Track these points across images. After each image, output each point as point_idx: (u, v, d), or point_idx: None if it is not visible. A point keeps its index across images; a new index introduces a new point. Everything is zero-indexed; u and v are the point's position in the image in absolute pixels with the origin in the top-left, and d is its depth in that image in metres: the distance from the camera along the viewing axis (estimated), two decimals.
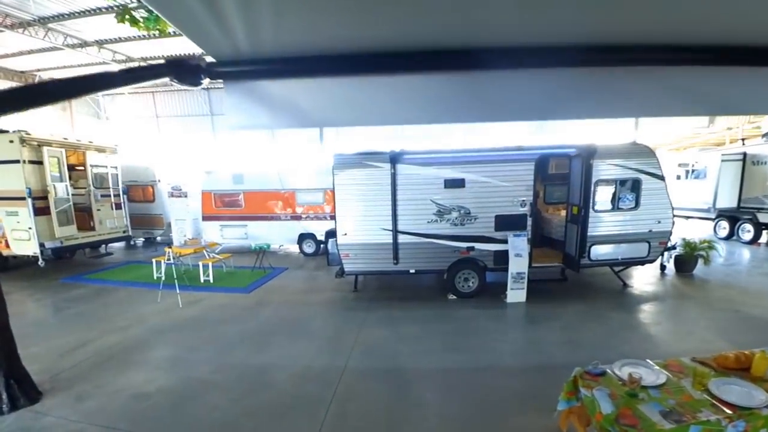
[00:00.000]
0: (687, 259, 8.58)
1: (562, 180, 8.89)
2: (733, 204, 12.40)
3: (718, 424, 2.09)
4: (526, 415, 3.74)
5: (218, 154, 18.93)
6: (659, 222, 7.33)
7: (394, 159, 6.89)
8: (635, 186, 7.20)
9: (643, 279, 8.32)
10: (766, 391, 2.31)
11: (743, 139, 14.47)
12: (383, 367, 4.80)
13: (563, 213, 8.44)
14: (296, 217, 11.55)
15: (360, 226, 7.14)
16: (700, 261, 8.60)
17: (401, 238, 7.16)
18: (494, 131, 18.52)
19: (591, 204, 7.05)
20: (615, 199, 7.34)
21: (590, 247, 7.17)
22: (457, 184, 7.00)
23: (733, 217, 12.53)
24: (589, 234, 7.14)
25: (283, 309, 7.13)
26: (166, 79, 1.84)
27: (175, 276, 7.54)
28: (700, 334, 5.51)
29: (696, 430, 2.07)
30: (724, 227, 12.81)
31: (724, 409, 2.19)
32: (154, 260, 9.15)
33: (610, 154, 7.07)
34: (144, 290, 8.36)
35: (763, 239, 11.88)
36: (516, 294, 7.03)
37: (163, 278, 7.81)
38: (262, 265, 9.92)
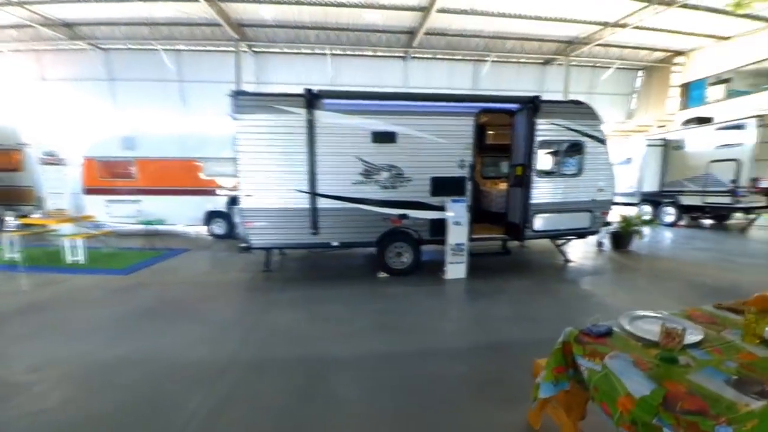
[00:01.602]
0: (624, 235, 8.30)
1: (500, 152, 8.23)
2: (656, 188, 12.72)
3: None
4: (482, 408, 2.72)
5: (119, 123, 16.19)
6: (601, 190, 6.83)
7: (312, 102, 5.61)
8: (578, 150, 6.62)
9: (582, 255, 7.86)
10: None
11: (661, 126, 15.13)
12: (289, 357, 3.54)
13: (502, 186, 7.77)
14: (203, 192, 9.81)
15: (269, 187, 5.76)
16: (634, 236, 8.37)
17: (321, 203, 5.92)
18: (433, 82, 17.63)
19: (534, 167, 6.35)
20: (558, 164, 6.74)
21: (533, 216, 6.47)
22: (387, 138, 5.90)
23: (655, 200, 12.82)
24: (532, 202, 6.43)
25: (167, 291, 5.59)
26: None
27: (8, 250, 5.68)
28: (661, 302, 4.94)
29: None
30: (647, 211, 13.09)
31: None
32: (2, 236, 7.06)
33: (554, 112, 6.40)
34: None
35: (682, 221, 12.21)
36: (456, 269, 6.10)
37: (15, 258, 5.91)
38: (154, 246, 8.16)
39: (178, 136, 9.80)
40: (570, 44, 16.75)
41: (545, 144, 6.45)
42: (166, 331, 4.16)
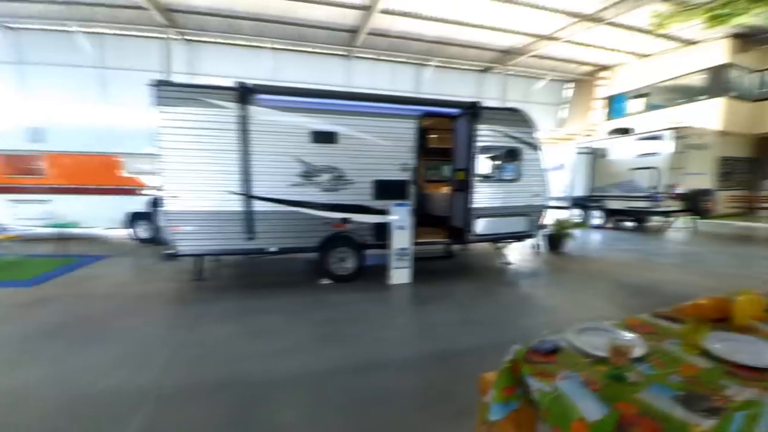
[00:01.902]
0: (558, 237, 8.67)
1: (443, 156, 8.26)
2: (585, 193, 13.56)
3: (759, 404, 1.22)
4: (432, 424, 2.58)
5: (27, 112, 14.27)
6: (537, 195, 7.08)
7: (245, 97, 5.23)
8: (516, 156, 6.81)
9: (519, 257, 8.10)
10: None
11: (588, 135, 16.21)
12: (221, 379, 3.17)
13: (445, 190, 7.81)
14: (124, 191, 8.93)
15: (197, 188, 5.27)
16: (569, 238, 8.78)
17: (257, 206, 5.53)
18: (377, 83, 17.25)
19: (475, 172, 6.45)
20: (497, 169, 6.87)
21: (475, 220, 6.54)
22: (327, 138, 5.65)
23: (584, 205, 13.66)
24: (474, 207, 6.51)
25: (80, 305, 4.94)
26: None
27: None
28: (593, 302, 5.20)
29: (739, 418, 1.16)
30: (577, 214, 13.90)
31: (744, 375, 1.36)
32: None
33: (493, 119, 6.54)
34: None
35: (609, 224, 13.11)
36: (400, 274, 5.98)
37: None
38: (67, 252, 7.28)
39: (96, 128, 8.85)
40: (507, 54, 17.37)
41: (485, 149, 6.55)
42: (77, 353, 3.61)
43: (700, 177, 11.36)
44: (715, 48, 15.13)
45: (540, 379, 1.43)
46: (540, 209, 7.17)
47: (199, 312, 4.78)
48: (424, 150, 8.05)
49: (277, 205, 5.59)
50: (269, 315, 4.67)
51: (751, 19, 11.70)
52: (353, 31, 14.94)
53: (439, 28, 14.83)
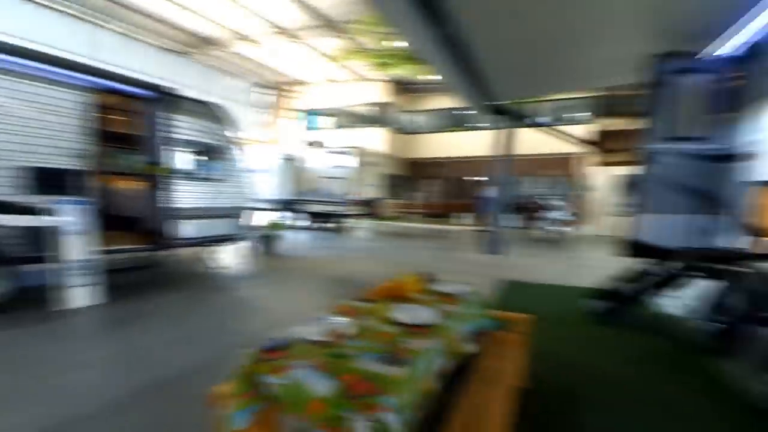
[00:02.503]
0: (270, 238, 8.79)
1: (135, 144, 6.80)
2: (291, 196, 14.66)
3: (425, 350, 1.76)
4: None
5: None
6: (243, 196, 6.99)
7: None
8: (219, 154, 6.53)
9: (233, 260, 7.70)
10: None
11: (290, 143, 17.83)
12: None
13: (139, 185, 6.45)
14: None
15: None
16: (278, 240, 9.08)
17: None
18: (34, 35, 11.73)
19: (173, 167, 5.78)
20: (199, 166, 6.31)
21: (179, 222, 5.78)
22: None
23: (291, 207, 14.68)
24: (176, 207, 5.82)
25: None
26: None
27: None
28: (307, 296, 5.49)
29: (418, 361, 1.65)
30: (286, 216, 14.73)
31: (415, 331, 1.92)
32: None
33: (192, 111, 6.10)
34: None
35: (312, 225, 14.61)
36: (82, 294, 4.50)
37: None
38: None
39: None
40: (207, 43, 16.29)
41: (183, 143, 5.96)
42: None
43: (373, 188, 14.50)
44: (381, 87, 19.48)
45: (275, 374, 1.52)
46: (248, 211, 7.05)
47: None
48: (109, 134, 6.43)
49: None
50: None
51: (403, 71, 15.75)
52: None
53: None
